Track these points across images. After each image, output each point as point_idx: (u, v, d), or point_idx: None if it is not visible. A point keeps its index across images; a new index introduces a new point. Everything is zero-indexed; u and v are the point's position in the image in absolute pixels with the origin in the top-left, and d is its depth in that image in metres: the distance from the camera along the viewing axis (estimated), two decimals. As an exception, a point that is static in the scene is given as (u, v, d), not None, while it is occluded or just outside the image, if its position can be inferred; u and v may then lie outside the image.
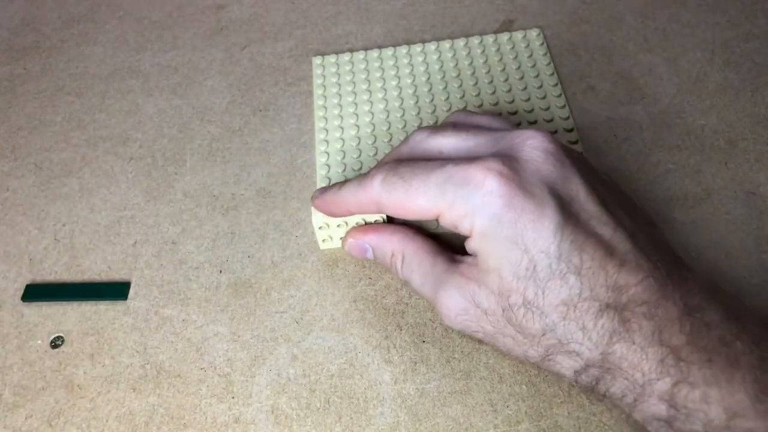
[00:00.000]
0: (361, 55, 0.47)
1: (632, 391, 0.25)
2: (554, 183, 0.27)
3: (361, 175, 0.31)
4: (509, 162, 0.28)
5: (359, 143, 0.41)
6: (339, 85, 0.45)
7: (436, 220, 0.30)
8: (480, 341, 0.32)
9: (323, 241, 0.37)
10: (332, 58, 0.47)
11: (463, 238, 0.29)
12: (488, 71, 0.44)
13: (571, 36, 0.47)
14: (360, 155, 0.40)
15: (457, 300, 0.29)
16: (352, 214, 0.33)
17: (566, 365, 0.27)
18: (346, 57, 0.47)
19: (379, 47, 0.48)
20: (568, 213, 0.27)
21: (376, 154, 0.40)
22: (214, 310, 0.36)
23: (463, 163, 0.28)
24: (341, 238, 0.36)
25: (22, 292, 0.38)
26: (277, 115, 0.45)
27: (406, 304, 0.35)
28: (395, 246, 0.33)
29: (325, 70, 0.46)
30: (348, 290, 0.36)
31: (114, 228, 0.40)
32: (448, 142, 0.31)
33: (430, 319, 0.34)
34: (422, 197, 0.29)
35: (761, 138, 0.40)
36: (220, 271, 0.38)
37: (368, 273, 0.37)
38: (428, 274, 0.31)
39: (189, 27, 0.53)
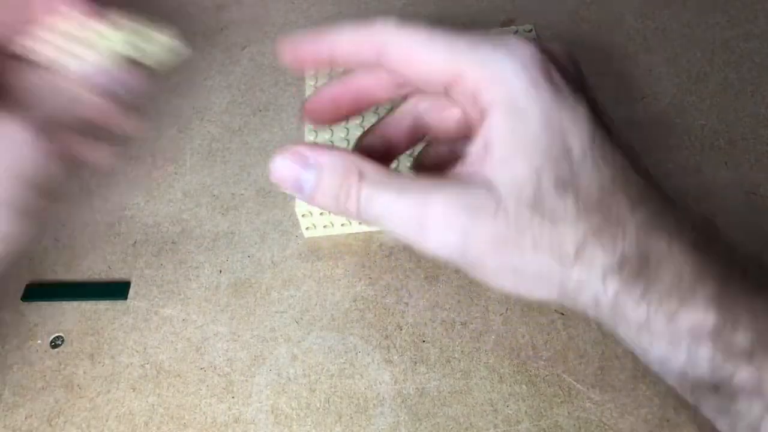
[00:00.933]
0: None
1: (677, 291, 0.23)
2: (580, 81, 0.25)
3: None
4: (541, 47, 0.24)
5: (348, 146, 0.41)
6: (330, 77, 0.45)
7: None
8: (469, 264, 0.25)
9: (306, 228, 0.37)
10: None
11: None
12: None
13: (570, 35, 0.47)
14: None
15: (461, 199, 0.24)
16: (334, 60, 0.26)
17: (597, 263, 0.23)
18: None
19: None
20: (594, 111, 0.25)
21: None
22: (214, 310, 0.36)
23: (495, 35, 0.25)
24: (321, 214, 0.34)
25: (22, 292, 0.38)
26: (277, 115, 0.45)
27: (406, 304, 0.35)
28: (355, 162, 0.25)
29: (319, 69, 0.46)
30: (348, 290, 0.36)
31: (114, 228, 0.40)
32: None
33: (430, 319, 0.34)
34: (445, 49, 0.24)
35: (761, 138, 0.40)
36: (220, 271, 0.38)
37: (368, 273, 0.37)
38: (409, 186, 0.24)
39: (189, 27, 0.52)
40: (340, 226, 0.38)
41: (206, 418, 0.32)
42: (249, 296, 0.36)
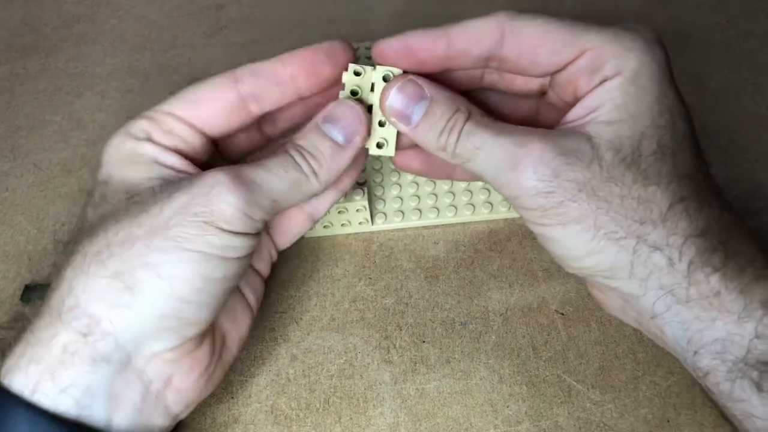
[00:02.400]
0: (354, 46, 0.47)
1: (752, 268, 0.24)
2: None
3: None
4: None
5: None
6: None
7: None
8: (551, 207, 0.25)
9: None
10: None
11: None
12: None
13: (571, 36, 0.47)
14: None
15: (561, 145, 0.25)
16: (449, 57, 0.27)
17: (681, 227, 0.25)
18: None
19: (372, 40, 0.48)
20: None
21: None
22: (214, 310, 0.36)
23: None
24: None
25: (20, 292, 0.38)
26: (276, 115, 0.45)
27: (406, 304, 0.35)
28: (463, 102, 0.27)
29: None
30: (348, 290, 0.36)
31: (113, 228, 0.40)
32: None
33: (430, 320, 0.34)
34: (567, 30, 0.26)
35: (761, 138, 0.40)
36: (220, 271, 0.37)
37: (368, 273, 0.37)
38: (508, 129, 0.26)
39: (189, 27, 0.52)
40: (339, 226, 0.38)
41: (206, 418, 0.32)
42: (249, 296, 0.36)
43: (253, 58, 0.49)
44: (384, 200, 0.38)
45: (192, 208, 0.25)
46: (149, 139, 0.28)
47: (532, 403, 0.31)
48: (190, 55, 0.50)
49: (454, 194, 0.38)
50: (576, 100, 0.27)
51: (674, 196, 0.25)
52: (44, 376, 0.24)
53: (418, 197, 0.38)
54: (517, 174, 0.25)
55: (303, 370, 0.33)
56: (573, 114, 0.26)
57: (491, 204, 0.37)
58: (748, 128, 0.40)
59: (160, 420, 0.27)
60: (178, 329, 0.26)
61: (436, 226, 0.38)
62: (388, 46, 0.27)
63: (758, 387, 0.23)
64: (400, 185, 0.39)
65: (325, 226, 0.37)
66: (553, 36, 0.26)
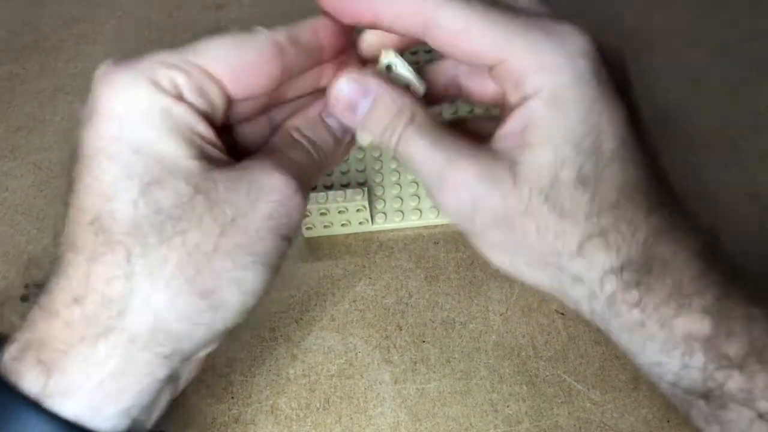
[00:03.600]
0: None
1: (675, 297, 0.23)
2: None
3: None
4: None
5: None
6: None
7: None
8: (472, 229, 0.26)
9: (306, 228, 0.37)
10: None
11: None
12: None
13: (571, 36, 0.47)
14: (348, 157, 0.40)
15: (483, 168, 0.24)
16: (377, 22, 0.25)
17: (597, 262, 0.24)
18: None
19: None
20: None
21: (364, 156, 0.40)
22: (214, 310, 0.36)
23: (550, 17, 0.24)
24: (321, 214, 0.34)
25: (21, 292, 0.38)
26: (276, 115, 0.45)
27: (406, 304, 0.35)
28: (409, 102, 0.26)
29: None
30: (348, 290, 0.36)
31: (113, 228, 0.40)
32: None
33: (430, 319, 0.34)
34: (494, 30, 0.24)
35: (761, 138, 0.40)
36: (220, 271, 0.38)
37: (368, 273, 0.37)
38: (443, 142, 0.25)
39: (189, 27, 0.52)
40: (340, 226, 0.38)
41: (206, 417, 0.32)
42: (249, 296, 0.36)
43: (253, 58, 0.49)
44: (384, 200, 0.38)
45: (274, 220, 0.24)
46: (181, 98, 0.24)
47: (532, 402, 0.31)
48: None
49: (454, 194, 0.38)
50: (510, 109, 0.26)
51: (590, 230, 0.24)
52: (107, 399, 0.23)
53: (418, 197, 0.38)
54: (441, 193, 0.25)
55: (303, 370, 0.33)
56: (506, 131, 0.25)
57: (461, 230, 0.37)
58: (748, 128, 0.40)
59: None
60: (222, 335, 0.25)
61: (436, 226, 0.38)
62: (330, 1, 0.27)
63: (685, 417, 0.24)
64: (400, 185, 0.39)
65: (325, 226, 0.37)
66: (479, 32, 0.24)
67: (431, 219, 0.38)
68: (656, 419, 0.30)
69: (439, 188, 0.25)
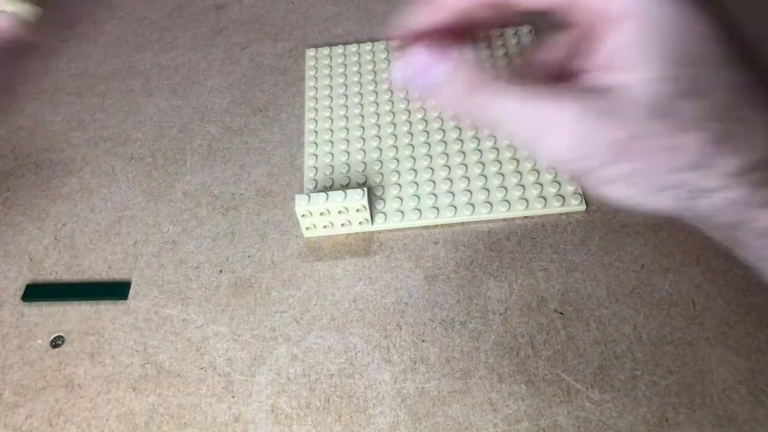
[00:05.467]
0: (354, 47, 0.47)
1: None
2: None
3: None
4: None
5: (348, 145, 0.41)
6: (331, 77, 0.46)
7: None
8: (586, 170, 0.25)
9: (306, 228, 0.38)
10: (325, 50, 0.47)
11: None
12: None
13: (570, 36, 0.47)
14: (348, 158, 0.40)
15: (591, 106, 0.24)
16: (454, 10, 0.26)
17: (722, 168, 0.23)
18: (339, 50, 0.47)
19: (373, 41, 0.48)
20: None
21: (364, 157, 0.40)
22: (214, 310, 0.36)
23: None
24: (321, 215, 0.36)
25: (22, 291, 0.38)
26: (277, 115, 0.45)
27: (406, 303, 0.35)
28: (486, 66, 0.27)
29: (318, 62, 0.47)
30: (348, 290, 0.36)
31: (114, 228, 0.40)
32: None
33: (430, 319, 0.34)
34: None
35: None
36: (220, 271, 0.38)
37: (368, 273, 0.37)
38: (533, 93, 0.25)
39: (189, 27, 0.53)
40: (340, 226, 0.38)
41: (206, 417, 0.32)
42: (249, 296, 0.36)
43: (253, 59, 0.49)
44: (384, 200, 0.39)
45: None
46: None
47: (531, 402, 0.31)
48: (190, 55, 0.50)
49: (453, 194, 0.38)
50: (596, 42, 0.26)
51: (708, 137, 0.23)
52: None
53: (418, 197, 0.38)
54: (549, 141, 0.25)
55: (303, 370, 0.33)
56: (598, 60, 0.25)
57: (490, 204, 0.38)
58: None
59: None
60: None
61: (435, 226, 0.38)
62: (400, 32, 0.27)
63: None
64: (400, 185, 0.39)
65: (325, 226, 0.38)
66: None
67: (431, 219, 0.38)
68: (655, 418, 0.30)
69: (544, 135, 0.24)
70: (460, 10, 0.26)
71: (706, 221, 0.25)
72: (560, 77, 0.28)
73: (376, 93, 0.44)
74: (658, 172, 0.24)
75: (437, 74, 0.26)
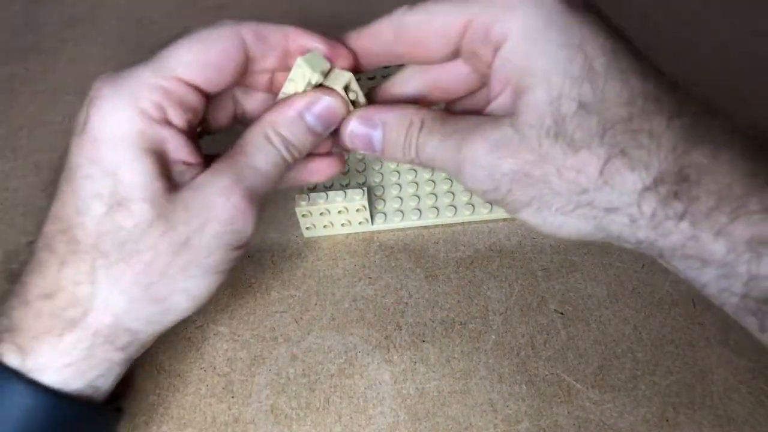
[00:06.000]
0: None
1: (727, 201, 0.21)
2: None
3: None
4: None
5: None
6: None
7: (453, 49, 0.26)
8: (501, 199, 0.26)
9: (306, 228, 0.38)
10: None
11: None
12: None
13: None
14: (348, 157, 0.40)
15: (488, 139, 0.24)
16: (364, 60, 0.29)
17: (627, 185, 0.23)
18: None
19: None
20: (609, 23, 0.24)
21: (364, 156, 0.40)
22: (214, 310, 0.36)
23: None
24: (320, 214, 0.36)
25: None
26: (277, 115, 0.45)
27: (406, 303, 0.35)
28: (414, 114, 0.27)
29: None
30: (348, 290, 0.36)
31: (114, 228, 0.40)
32: None
33: (430, 319, 0.34)
34: (454, 3, 0.25)
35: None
36: (220, 271, 0.38)
37: (368, 273, 0.37)
38: (452, 131, 0.26)
39: (189, 27, 0.52)
40: (340, 226, 0.38)
41: (206, 417, 0.32)
42: (249, 296, 0.36)
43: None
44: (384, 200, 0.39)
45: (225, 237, 0.26)
46: (165, 120, 0.26)
47: (531, 402, 0.31)
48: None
49: (453, 194, 0.38)
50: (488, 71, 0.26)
51: (609, 153, 0.23)
52: (74, 376, 0.26)
53: (418, 197, 0.38)
54: (463, 177, 0.26)
55: (303, 370, 0.33)
56: (494, 88, 0.26)
57: (491, 204, 0.38)
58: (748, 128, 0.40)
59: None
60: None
61: (435, 226, 0.38)
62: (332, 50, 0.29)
63: (761, 327, 0.22)
64: (400, 185, 0.39)
65: (325, 226, 0.38)
66: (435, 18, 0.25)
67: (431, 219, 0.38)
68: (655, 418, 0.30)
69: (459, 174, 0.26)
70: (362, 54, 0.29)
71: (626, 242, 0.24)
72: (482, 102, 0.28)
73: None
74: (562, 194, 0.24)
75: (376, 142, 0.28)
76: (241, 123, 0.31)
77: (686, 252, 0.23)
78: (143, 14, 0.54)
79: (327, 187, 0.39)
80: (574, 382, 0.32)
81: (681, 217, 0.22)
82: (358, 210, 0.36)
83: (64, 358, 0.26)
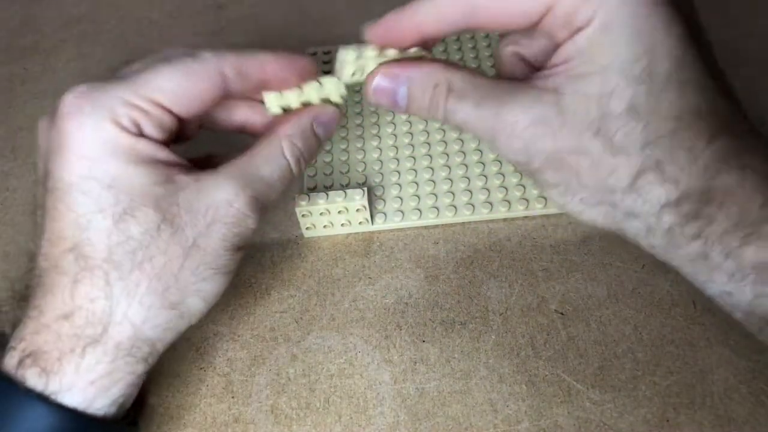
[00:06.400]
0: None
1: (741, 226, 0.22)
2: None
3: None
4: None
5: (348, 145, 0.41)
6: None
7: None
8: (532, 172, 0.26)
9: (306, 228, 0.38)
10: (326, 50, 0.47)
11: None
12: (478, 66, 0.44)
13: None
14: (348, 157, 0.40)
15: (528, 112, 0.24)
16: (418, 38, 0.27)
17: (653, 197, 0.23)
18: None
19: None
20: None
21: (364, 156, 0.40)
22: (214, 310, 0.36)
23: None
24: (320, 215, 0.36)
25: (23, 292, 0.38)
26: (277, 115, 0.45)
27: (406, 303, 0.35)
28: (441, 74, 0.27)
29: (318, 62, 0.47)
30: (347, 290, 0.36)
31: (114, 228, 0.40)
32: None
33: (430, 319, 0.34)
34: None
35: (761, 138, 0.40)
36: (220, 271, 0.38)
37: (368, 273, 0.37)
38: (487, 96, 0.25)
39: (189, 27, 0.52)
40: (340, 226, 0.38)
41: (206, 417, 0.32)
42: (249, 296, 0.36)
43: (254, 59, 0.49)
44: (384, 200, 0.39)
45: (230, 239, 0.28)
46: (142, 134, 0.27)
47: (531, 402, 0.31)
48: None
49: (453, 194, 0.38)
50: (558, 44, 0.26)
51: (644, 163, 0.23)
52: (98, 394, 0.26)
53: (418, 197, 0.38)
54: (498, 145, 0.26)
55: (303, 370, 0.33)
56: (554, 61, 0.25)
57: (491, 204, 0.38)
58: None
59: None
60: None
61: (435, 226, 0.38)
62: (373, 33, 0.28)
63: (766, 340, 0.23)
64: (400, 185, 0.39)
65: (325, 226, 0.38)
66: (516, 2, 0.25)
67: (431, 219, 0.38)
68: (655, 419, 0.30)
69: (493, 140, 0.26)
70: (424, 34, 0.27)
71: (639, 242, 0.25)
72: (528, 67, 0.28)
73: None
74: (589, 187, 0.24)
75: (401, 99, 0.28)
76: (206, 126, 0.33)
77: (695, 266, 0.24)
78: (143, 14, 0.54)
79: (327, 187, 0.39)
80: (575, 383, 0.32)
81: (695, 237, 0.23)
82: (358, 210, 0.36)
83: (89, 375, 0.26)
